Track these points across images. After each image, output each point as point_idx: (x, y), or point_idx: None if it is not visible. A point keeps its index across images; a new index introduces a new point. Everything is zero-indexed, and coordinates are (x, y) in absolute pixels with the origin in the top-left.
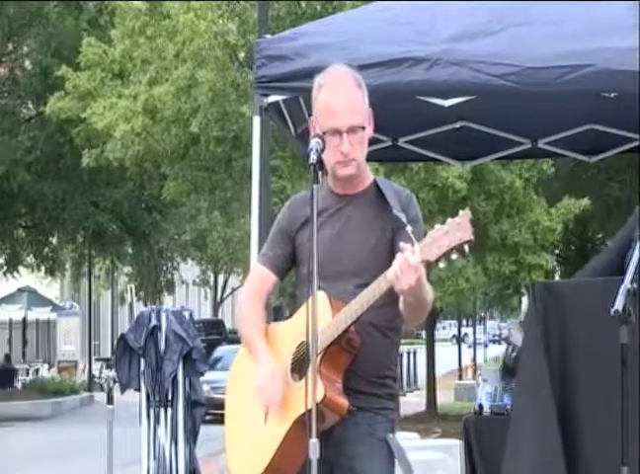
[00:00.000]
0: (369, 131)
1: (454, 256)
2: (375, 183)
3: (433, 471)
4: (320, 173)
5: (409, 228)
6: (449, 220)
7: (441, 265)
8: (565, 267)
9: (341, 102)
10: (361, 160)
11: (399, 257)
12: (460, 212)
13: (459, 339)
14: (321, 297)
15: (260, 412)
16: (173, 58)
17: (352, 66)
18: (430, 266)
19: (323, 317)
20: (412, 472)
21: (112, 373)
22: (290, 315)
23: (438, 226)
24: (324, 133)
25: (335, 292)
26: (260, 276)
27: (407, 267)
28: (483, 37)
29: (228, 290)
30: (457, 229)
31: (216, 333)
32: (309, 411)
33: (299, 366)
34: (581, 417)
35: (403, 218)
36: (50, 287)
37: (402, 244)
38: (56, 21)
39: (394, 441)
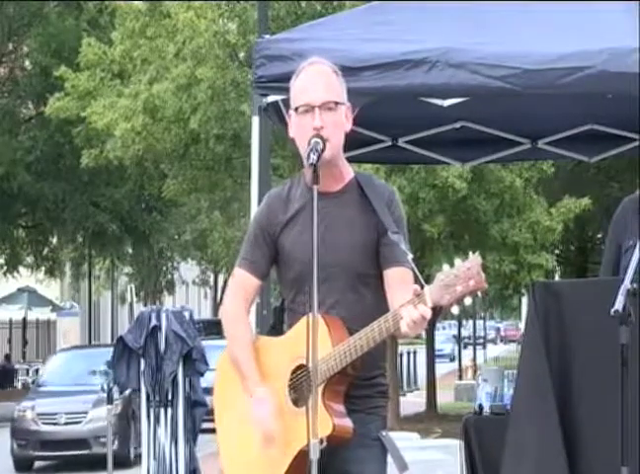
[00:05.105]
0: (347, 123)
1: (467, 300)
2: (357, 179)
3: (433, 471)
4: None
5: (395, 237)
6: (458, 263)
7: (455, 310)
8: (565, 267)
9: (315, 80)
10: (337, 147)
11: (413, 312)
12: (470, 256)
13: (459, 339)
14: (319, 323)
15: (256, 431)
16: (173, 57)
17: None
18: (441, 309)
19: (322, 344)
20: (407, 468)
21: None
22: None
23: (446, 268)
24: (296, 110)
25: (321, 298)
26: (243, 284)
27: (421, 320)
28: (482, 38)
29: None
30: (468, 275)
31: (216, 333)
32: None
33: (299, 392)
34: (581, 417)
35: (388, 222)
36: (50, 287)
37: (415, 289)
38: (56, 21)
39: (387, 439)
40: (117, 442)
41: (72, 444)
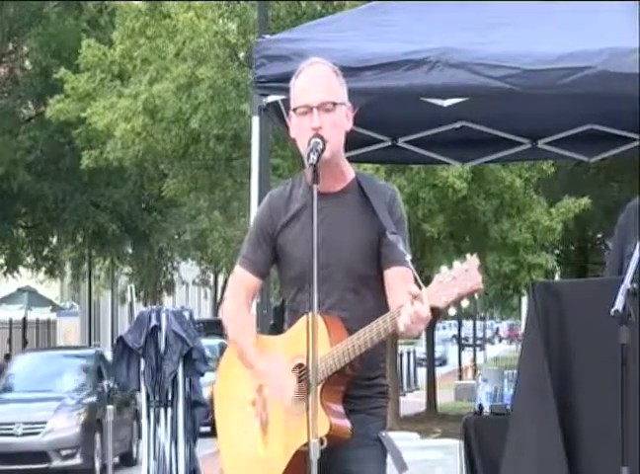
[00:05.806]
0: (347, 123)
1: (464, 302)
2: (358, 180)
3: (433, 471)
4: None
5: (394, 237)
6: (456, 265)
7: (452, 312)
8: (565, 266)
9: (314, 81)
10: (337, 147)
11: (409, 309)
12: (468, 258)
13: (459, 339)
14: (318, 323)
15: (257, 429)
16: (173, 57)
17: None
18: (439, 311)
19: (320, 344)
20: (406, 468)
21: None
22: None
23: (444, 270)
24: (295, 110)
25: (321, 297)
26: (243, 283)
27: (418, 319)
28: (482, 38)
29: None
30: (466, 276)
31: (216, 333)
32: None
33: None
34: (581, 417)
35: (389, 223)
36: (50, 287)
37: (411, 290)
38: (56, 21)
39: (387, 439)
40: (79, 456)
41: (30, 457)
